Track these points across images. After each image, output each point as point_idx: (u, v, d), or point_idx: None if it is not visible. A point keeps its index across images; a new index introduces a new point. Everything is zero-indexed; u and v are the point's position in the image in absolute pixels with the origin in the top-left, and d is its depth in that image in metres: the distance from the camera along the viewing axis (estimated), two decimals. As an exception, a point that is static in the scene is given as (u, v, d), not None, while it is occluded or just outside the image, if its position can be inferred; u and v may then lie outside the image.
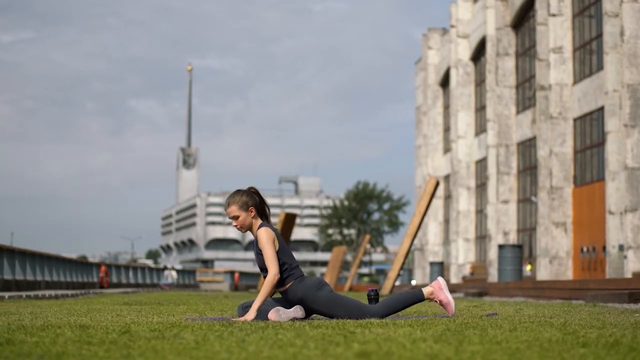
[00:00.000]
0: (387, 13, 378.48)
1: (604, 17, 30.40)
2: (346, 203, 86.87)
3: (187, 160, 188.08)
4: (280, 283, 6.32)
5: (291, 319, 6.10)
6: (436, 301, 6.63)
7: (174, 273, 41.65)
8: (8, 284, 19.22)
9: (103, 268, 30.74)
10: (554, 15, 35.06)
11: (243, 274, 60.35)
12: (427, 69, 55.68)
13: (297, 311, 6.20)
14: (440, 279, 6.62)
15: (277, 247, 6.29)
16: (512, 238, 40.69)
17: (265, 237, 6.23)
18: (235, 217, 6.34)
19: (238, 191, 6.39)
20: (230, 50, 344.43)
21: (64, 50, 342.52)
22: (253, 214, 6.36)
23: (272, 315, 6.15)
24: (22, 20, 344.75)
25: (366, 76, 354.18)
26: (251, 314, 6.18)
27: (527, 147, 40.37)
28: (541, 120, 35.27)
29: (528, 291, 16.83)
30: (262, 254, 6.26)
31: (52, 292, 17.04)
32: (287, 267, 6.32)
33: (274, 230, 6.32)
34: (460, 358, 3.27)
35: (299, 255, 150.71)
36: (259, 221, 6.38)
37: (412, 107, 60.58)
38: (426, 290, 6.58)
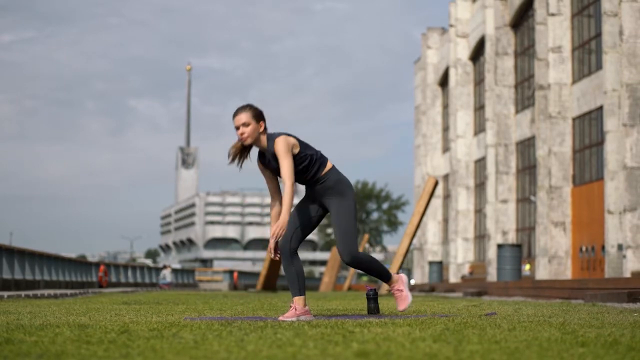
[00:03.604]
0: (387, 13, 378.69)
1: (603, 17, 30.40)
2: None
3: (186, 159, 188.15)
4: (315, 173, 6.30)
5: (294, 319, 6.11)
6: (395, 290, 6.71)
7: (168, 271, 41.53)
8: (7, 284, 19.22)
9: (102, 267, 30.73)
10: (553, 14, 35.06)
11: (242, 274, 60.32)
12: (426, 69, 55.65)
13: (307, 317, 6.25)
14: (403, 275, 6.73)
15: (298, 148, 6.21)
16: (511, 237, 40.69)
17: (284, 147, 6.12)
18: (246, 125, 6.19)
19: (248, 104, 6.29)
20: (231, 49, 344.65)
21: (65, 49, 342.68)
22: (262, 128, 6.24)
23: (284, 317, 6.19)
24: (24, 19, 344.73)
25: (366, 76, 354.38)
26: (284, 218, 6.09)
27: (526, 146, 40.37)
28: (540, 119, 35.27)
29: (527, 291, 16.83)
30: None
31: (51, 292, 17.03)
32: (315, 157, 6.30)
33: (292, 135, 6.24)
34: (459, 357, 3.27)
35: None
36: (265, 135, 6.26)
37: (412, 107, 60.61)
38: (393, 277, 6.68)
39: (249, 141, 6.21)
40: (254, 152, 6.43)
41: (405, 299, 6.66)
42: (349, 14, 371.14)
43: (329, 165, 6.36)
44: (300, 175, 6.31)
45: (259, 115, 6.24)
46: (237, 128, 6.22)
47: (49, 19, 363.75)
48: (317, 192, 6.40)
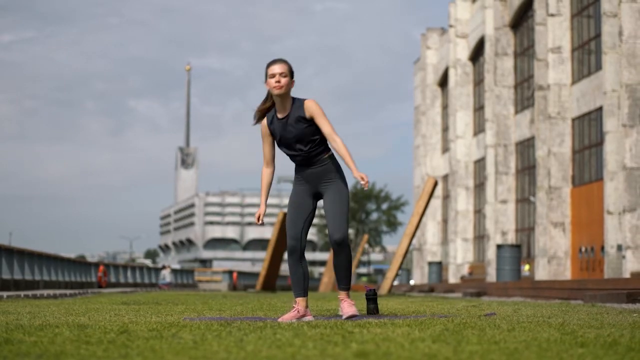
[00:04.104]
0: (387, 13, 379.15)
1: (602, 17, 30.40)
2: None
3: (186, 160, 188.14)
4: (321, 152, 6.27)
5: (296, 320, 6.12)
6: (346, 299, 6.38)
7: (167, 271, 41.54)
8: (6, 284, 19.21)
9: (101, 268, 30.71)
10: (552, 15, 35.06)
11: (241, 274, 60.29)
12: (425, 69, 55.66)
13: (308, 318, 6.28)
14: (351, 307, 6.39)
15: None
16: (511, 238, 40.69)
17: (320, 108, 6.19)
18: (283, 75, 6.14)
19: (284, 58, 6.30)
20: (231, 50, 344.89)
21: (65, 49, 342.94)
22: (292, 86, 6.24)
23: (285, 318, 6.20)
24: (24, 19, 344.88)
25: (366, 76, 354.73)
26: (356, 169, 6.10)
27: (526, 147, 40.37)
28: (540, 120, 35.27)
29: (526, 291, 16.84)
30: (307, 125, 6.17)
31: (51, 292, 17.02)
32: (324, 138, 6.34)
33: None
34: (458, 358, 3.27)
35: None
36: (290, 97, 6.24)
37: (412, 107, 60.64)
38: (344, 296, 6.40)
39: (282, 91, 6.15)
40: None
41: (351, 309, 6.29)
42: (349, 14, 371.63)
43: (330, 152, 6.36)
44: (310, 147, 6.24)
45: (292, 73, 6.24)
46: (272, 76, 6.16)
47: (49, 19, 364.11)
48: (314, 176, 6.31)
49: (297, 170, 6.38)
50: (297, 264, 6.28)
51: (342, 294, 6.39)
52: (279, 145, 6.34)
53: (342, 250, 6.29)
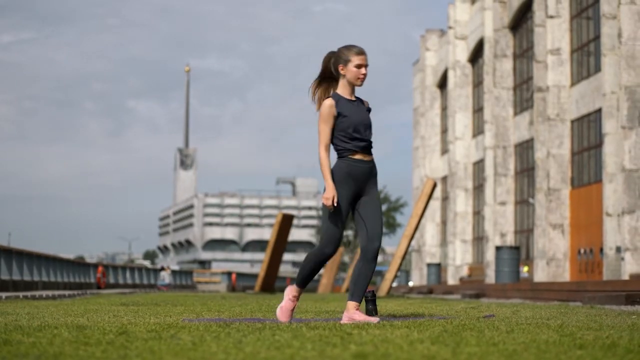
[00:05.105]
0: (386, 14, 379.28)
1: (601, 19, 30.41)
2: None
3: (185, 160, 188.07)
4: (371, 149, 6.22)
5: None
6: (354, 312, 6.05)
7: (166, 272, 41.53)
8: (5, 284, 19.19)
9: (100, 268, 30.69)
10: (551, 16, 35.06)
11: (240, 275, 60.28)
12: (424, 71, 55.65)
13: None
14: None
15: None
16: (510, 239, 40.69)
17: None
18: (367, 67, 6.20)
19: None
20: (230, 51, 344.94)
21: (64, 50, 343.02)
22: None
23: (283, 316, 6.21)
24: (23, 20, 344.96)
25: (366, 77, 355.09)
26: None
27: (525, 148, 40.37)
28: (539, 121, 35.28)
29: (525, 293, 16.84)
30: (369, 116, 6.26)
31: (50, 293, 17.02)
32: None
33: None
34: None
35: (296, 256, 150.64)
36: None
37: (411, 108, 60.62)
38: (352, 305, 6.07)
39: (362, 84, 6.20)
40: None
41: (350, 320, 5.98)
42: (348, 15, 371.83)
43: None
44: (370, 138, 6.18)
45: None
46: (360, 66, 6.15)
47: (48, 19, 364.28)
48: (366, 174, 6.10)
49: (348, 168, 6.10)
50: (320, 263, 6.24)
51: (354, 305, 6.04)
52: (346, 127, 6.07)
53: (374, 259, 6.09)
